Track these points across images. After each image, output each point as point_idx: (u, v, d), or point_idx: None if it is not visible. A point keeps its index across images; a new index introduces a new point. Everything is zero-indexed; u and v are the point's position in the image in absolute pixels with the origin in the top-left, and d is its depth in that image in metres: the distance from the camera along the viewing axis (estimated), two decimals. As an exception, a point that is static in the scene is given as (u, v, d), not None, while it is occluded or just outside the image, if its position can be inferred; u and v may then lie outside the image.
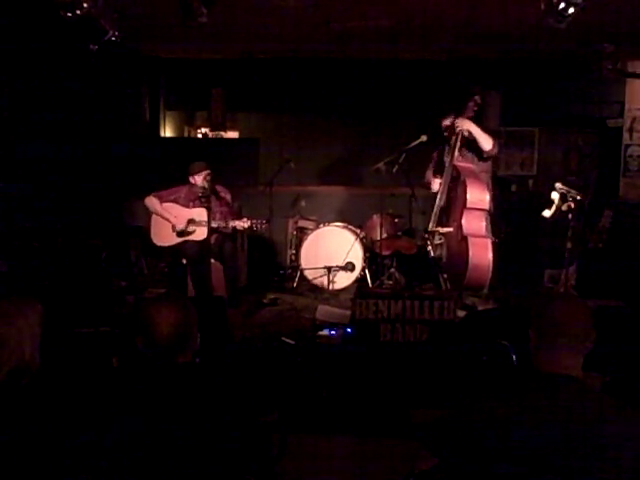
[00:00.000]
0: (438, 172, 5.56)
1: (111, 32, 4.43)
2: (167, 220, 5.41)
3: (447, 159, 5.45)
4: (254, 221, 5.35)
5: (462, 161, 5.42)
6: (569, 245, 5.08)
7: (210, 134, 7.99)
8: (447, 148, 5.52)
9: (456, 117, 5.41)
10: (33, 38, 5.19)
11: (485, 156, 5.37)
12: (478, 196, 5.22)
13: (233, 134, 8.17)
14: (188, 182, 5.47)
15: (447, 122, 5.51)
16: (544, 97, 7.30)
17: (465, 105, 5.39)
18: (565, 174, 7.33)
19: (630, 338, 3.47)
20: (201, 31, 4.55)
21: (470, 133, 5.32)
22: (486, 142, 5.31)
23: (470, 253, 5.10)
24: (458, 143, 5.36)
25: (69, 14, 4.01)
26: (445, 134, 5.53)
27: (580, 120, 7.50)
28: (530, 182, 7.71)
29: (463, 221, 5.22)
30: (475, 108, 5.42)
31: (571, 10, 3.85)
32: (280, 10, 5.02)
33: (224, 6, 4.59)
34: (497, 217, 5.60)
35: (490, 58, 6.99)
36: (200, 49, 6.87)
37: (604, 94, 7.27)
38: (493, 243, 5.26)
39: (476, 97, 5.41)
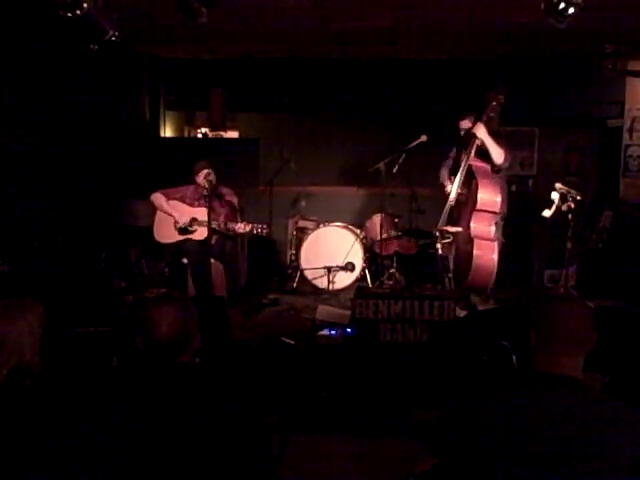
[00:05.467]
0: (453, 172, 5.47)
1: (111, 32, 4.42)
2: (171, 216, 5.42)
3: (463, 158, 5.34)
4: (255, 225, 5.34)
5: (479, 161, 5.32)
6: (569, 245, 5.08)
7: (210, 134, 7.99)
8: (463, 148, 5.47)
9: (476, 120, 5.31)
10: (33, 38, 5.19)
11: (495, 169, 5.29)
12: (490, 198, 5.16)
13: (233, 134, 8.17)
14: (193, 182, 5.49)
15: (466, 124, 5.40)
16: (544, 97, 7.29)
17: (488, 105, 5.26)
18: (565, 174, 7.33)
19: (630, 338, 3.47)
20: (201, 31, 4.55)
21: (483, 143, 5.23)
22: (498, 156, 5.22)
23: (475, 254, 5.08)
24: (475, 144, 5.27)
25: (69, 14, 4.00)
26: (462, 135, 5.46)
27: (580, 120, 7.50)
28: (530, 182, 7.70)
29: (472, 222, 5.18)
30: (497, 107, 5.29)
31: (571, 10, 3.85)
32: (280, 10, 5.02)
33: (224, 6, 4.59)
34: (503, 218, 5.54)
35: (490, 58, 6.99)
36: (200, 49, 6.87)
37: (604, 94, 7.27)
38: (501, 245, 5.23)
39: (500, 96, 5.27)
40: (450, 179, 5.49)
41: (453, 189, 5.35)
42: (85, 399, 1.91)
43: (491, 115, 5.29)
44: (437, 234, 5.41)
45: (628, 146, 6.91)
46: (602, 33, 5.44)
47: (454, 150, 5.64)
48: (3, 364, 1.94)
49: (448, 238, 5.40)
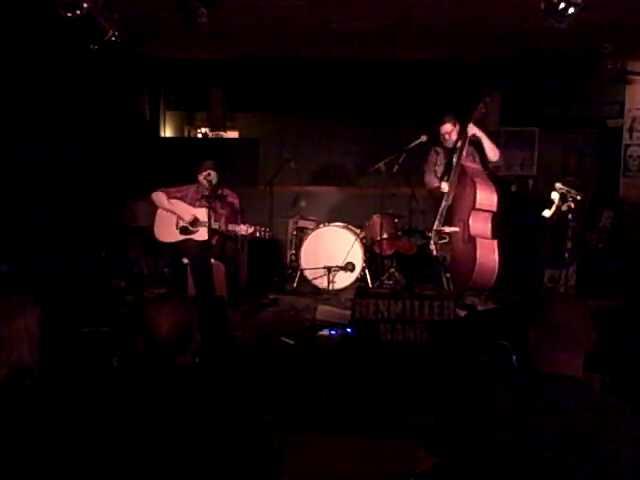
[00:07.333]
0: (446, 173, 5.50)
1: (111, 32, 4.42)
2: (173, 214, 5.43)
3: (454, 158, 5.38)
4: (258, 228, 5.35)
5: (470, 161, 5.39)
6: (569, 245, 5.09)
7: (210, 134, 7.99)
8: (448, 150, 5.50)
9: (460, 122, 5.38)
10: (33, 38, 5.19)
11: (490, 166, 5.38)
12: (487, 197, 5.20)
13: (233, 134, 8.17)
14: (195, 181, 5.50)
15: (447, 128, 5.44)
16: (544, 97, 7.30)
17: (475, 107, 5.34)
18: (565, 174, 7.33)
19: (630, 338, 3.47)
20: (201, 31, 4.55)
21: (478, 139, 5.31)
22: (493, 152, 5.33)
23: (478, 254, 5.09)
24: (466, 145, 5.32)
25: (69, 14, 4.00)
26: (445, 138, 5.49)
27: (580, 120, 7.50)
28: (530, 182, 7.71)
29: (471, 222, 5.20)
30: (484, 110, 5.37)
31: (571, 10, 3.85)
32: (280, 10, 5.02)
33: (224, 6, 4.59)
34: (497, 217, 5.58)
35: (490, 58, 6.99)
36: (200, 49, 6.87)
37: (604, 94, 7.27)
38: (497, 244, 5.25)
39: (487, 99, 5.36)
40: (442, 180, 5.50)
41: (447, 190, 5.37)
42: (85, 399, 1.91)
43: (478, 117, 5.34)
44: (430, 235, 5.43)
45: (628, 146, 6.91)
46: (602, 33, 5.44)
47: (432, 154, 5.65)
48: (2, 363, 1.94)
49: (444, 239, 5.41)
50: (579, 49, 6.15)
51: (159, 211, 5.50)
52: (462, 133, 5.36)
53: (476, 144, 5.40)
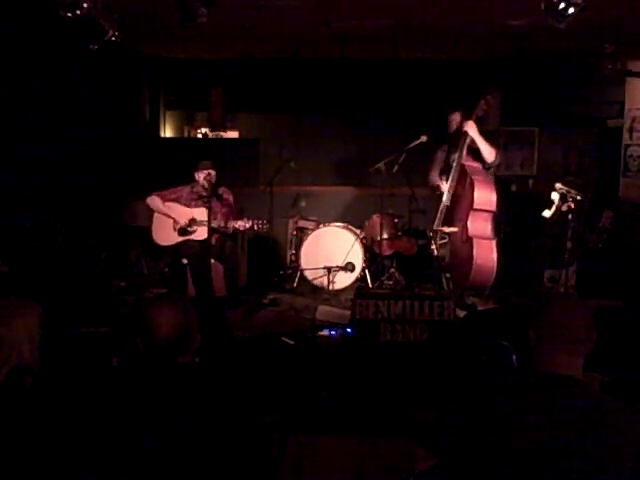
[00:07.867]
0: (445, 171, 5.48)
1: (111, 32, 4.41)
2: (169, 217, 5.41)
3: (455, 157, 5.36)
4: (256, 221, 5.34)
5: (471, 160, 5.35)
6: (569, 245, 5.09)
7: (210, 134, 7.99)
8: (453, 148, 5.49)
9: (464, 117, 5.36)
10: (33, 38, 5.19)
11: (487, 167, 5.33)
12: (486, 197, 5.17)
13: (233, 134, 8.17)
14: (190, 182, 5.47)
15: (456, 117, 5.44)
16: (544, 97, 7.30)
17: (476, 103, 5.31)
18: (565, 174, 7.33)
19: (630, 338, 3.47)
20: (201, 31, 4.55)
21: (473, 141, 5.27)
22: (489, 153, 5.26)
23: (475, 254, 5.08)
24: (467, 142, 5.29)
25: (69, 14, 4.00)
26: (451, 131, 5.48)
27: (580, 120, 7.50)
28: (530, 182, 7.71)
29: (469, 222, 5.19)
30: (485, 107, 5.36)
31: (571, 10, 3.84)
32: (280, 10, 5.02)
33: (224, 6, 4.59)
34: (498, 217, 5.57)
35: (490, 58, 6.99)
36: (200, 49, 6.87)
37: (604, 94, 7.27)
38: (497, 243, 5.24)
39: (489, 96, 5.34)
40: (442, 179, 5.49)
41: (446, 189, 5.36)
42: (85, 399, 1.91)
43: (479, 115, 5.31)
44: (431, 234, 5.42)
45: (628, 146, 6.91)
46: (602, 33, 5.43)
47: (438, 152, 5.64)
48: (3, 363, 1.94)
49: (444, 239, 5.41)
50: (579, 49, 6.15)
51: (155, 215, 5.48)
52: (463, 131, 5.33)
53: (473, 150, 5.36)
